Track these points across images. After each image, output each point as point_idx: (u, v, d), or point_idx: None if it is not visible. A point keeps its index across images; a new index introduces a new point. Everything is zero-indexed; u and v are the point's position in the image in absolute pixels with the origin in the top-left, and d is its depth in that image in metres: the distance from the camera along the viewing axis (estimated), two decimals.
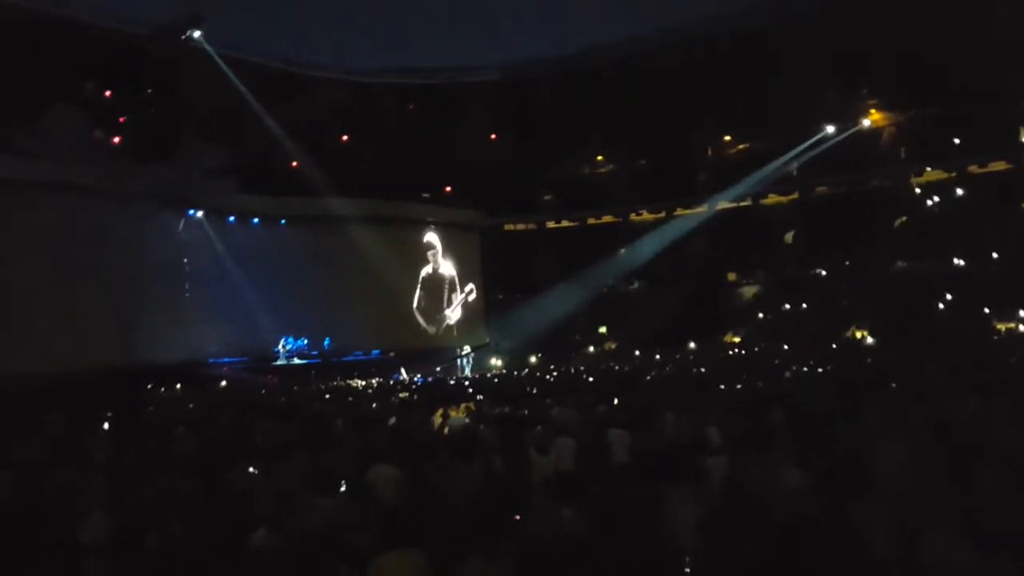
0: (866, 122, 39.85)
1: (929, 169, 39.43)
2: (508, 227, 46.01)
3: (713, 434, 8.82)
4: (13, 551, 5.69)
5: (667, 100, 34.71)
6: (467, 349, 38.43)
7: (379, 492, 7.27)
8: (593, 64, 36.94)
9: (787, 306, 39.65)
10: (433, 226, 41.44)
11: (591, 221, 46.15)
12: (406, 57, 35.72)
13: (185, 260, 31.45)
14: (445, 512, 6.56)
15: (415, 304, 40.22)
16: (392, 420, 12.83)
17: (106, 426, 14.41)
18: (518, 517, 6.20)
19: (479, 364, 38.15)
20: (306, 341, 33.76)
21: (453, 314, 41.73)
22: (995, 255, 35.58)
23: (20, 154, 25.08)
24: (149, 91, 30.48)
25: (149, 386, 25.25)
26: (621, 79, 36.02)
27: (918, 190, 39.95)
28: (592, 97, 37.16)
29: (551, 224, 46.71)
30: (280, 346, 33.02)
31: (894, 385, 12.63)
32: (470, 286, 42.48)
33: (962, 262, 36.68)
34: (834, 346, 30.25)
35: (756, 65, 33.19)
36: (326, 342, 34.18)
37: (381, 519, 6.13)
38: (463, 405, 14.71)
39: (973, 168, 38.23)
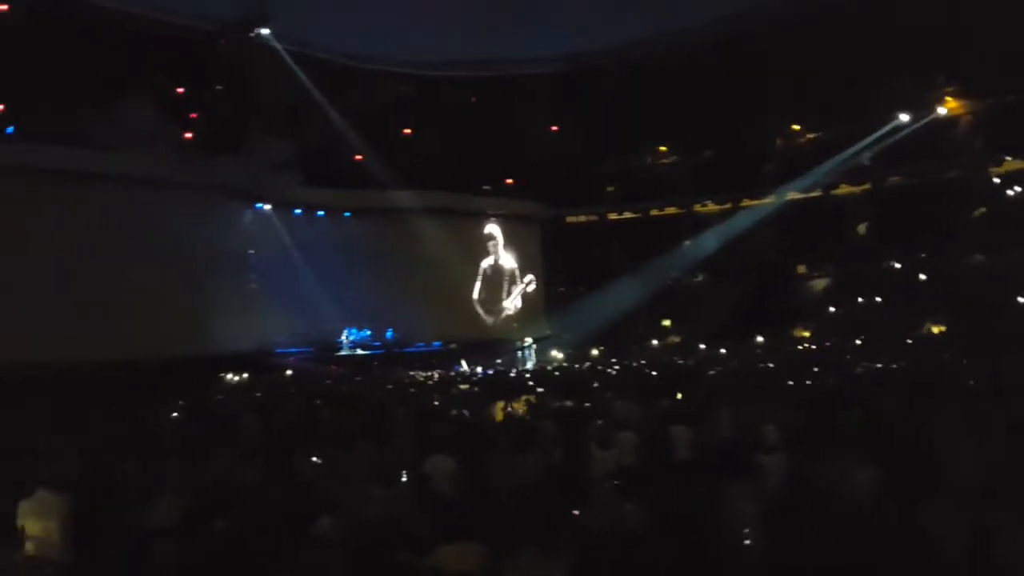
0: (942, 110, 38.39)
1: (1009, 159, 37.85)
2: (570, 219, 45.75)
3: (770, 432, 8.65)
4: (86, 534, 5.88)
5: (733, 89, 34.08)
6: (528, 341, 38.40)
7: (436, 483, 7.32)
8: (656, 53, 36.47)
9: (859, 300, 38.61)
10: (494, 218, 41.54)
11: (654, 213, 45.55)
12: (468, 49, 35.79)
13: (252, 252, 32.15)
14: (503, 504, 6.57)
15: (475, 295, 40.42)
16: (452, 412, 12.92)
17: (176, 413, 14.80)
18: (577, 511, 6.17)
19: (540, 356, 38.13)
20: (369, 332, 34.22)
21: (512, 306, 41.79)
22: None
23: (94, 147, 25.91)
24: (219, 87, 31.18)
25: (219, 375, 25.89)
26: (685, 68, 35.49)
27: (996, 180, 38.41)
28: (655, 87, 36.67)
29: (613, 216, 46.27)
30: (343, 337, 33.51)
31: (971, 383, 12.21)
32: (529, 277, 42.47)
33: None
34: (908, 341, 29.34)
35: (826, 51, 32.29)
36: (388, 333, 34.58)
37: (439, 510, 6.18)
38: (523, 398, 14.69)
39: None
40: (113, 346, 25.02)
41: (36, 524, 5.78)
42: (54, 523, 5.81)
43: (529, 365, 34.13)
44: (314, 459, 8.87)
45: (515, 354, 37.33)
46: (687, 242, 42.41)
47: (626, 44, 35.84)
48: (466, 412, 12.82)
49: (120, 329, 25.55)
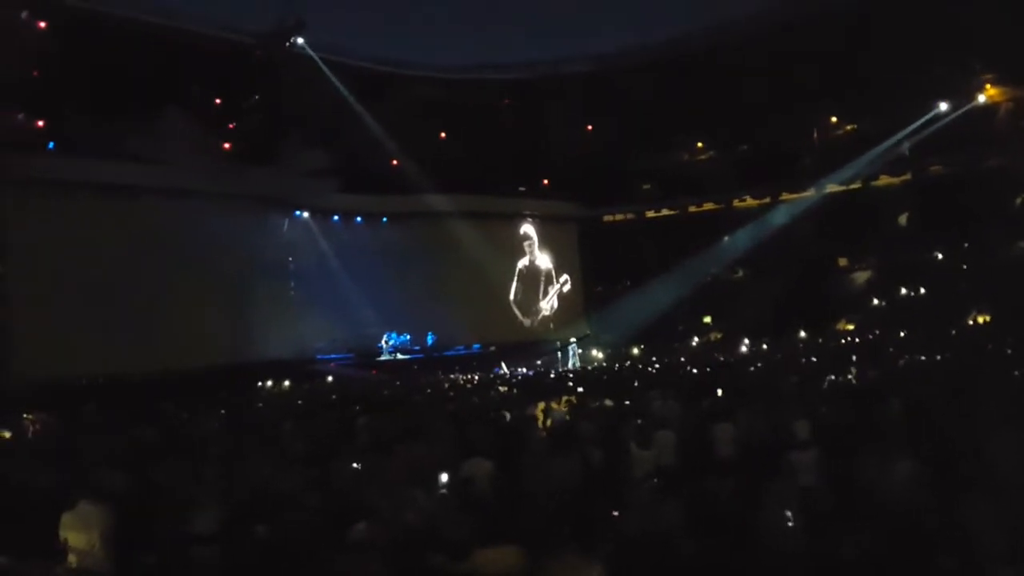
0: (981, 98, 37.61)
1: None
2: (607, 218, 45.59)
3: (803, 428, 8.49)
4: (128, 540, 5.95)
5: (768, 82, 33.67)
6: (572, 341, 38.24)
7: (475, 486, 7.29)
8: (689, 49, 36.20)
9: (903, 291, 37.93)
10: (530, 218, 41.56)
11: (692, 209, 45.14)
12: (501, 52, 35.89)
13: (291, 259, 32.54)
14: (541, 507, 6.52)
15: (512, 296, 40.45)
16: (491, 414, 12.89)
17: (218, 420, 14.97)
18: (615, 512, 6.10)
19: (582, 356, 37.94)
20: (409, 337, 34.40)
21: (549, 306, 41.73)
22: None
23: (134, 159, 26.45)
24: (256, 97, 31.58)
25: (259, 382, 26.19)
26: (720, 63, 35.16)
27: None
28: (690, 83, 36.36)
29: (650, 214, 45.96)
30: (383, 342, 33.72)
31: (1016, 373, 11.88)
32: (564, 276, 42.40)
33: None
34: (953, 332, 28.71)
35: (863, 41, 31.79)
36: (429, 337, 34.74)
37: (477, 513, 6.15)
38: (564, 398, 14.62)
39: None
40: (156, 356, 25.53)
41: (78, 536, 5.84)
42: (96, 535, 5.86)
43: (572, 364, 33.93)
44: (354, 465, 8.89)
45: (554, 355, 37.19)
46: (726, 237, 41.97)
47: (660, 41, 35.64)
48: (505, 414, 12.78)
49: (163, 339, 26.06)
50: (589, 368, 30.16)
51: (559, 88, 38.30)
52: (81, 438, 12.52)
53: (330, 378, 29.28)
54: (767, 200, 42.91)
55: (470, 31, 32.67)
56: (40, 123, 25.82)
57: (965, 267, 37.42)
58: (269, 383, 26.35)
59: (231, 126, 31.42)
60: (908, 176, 40.50)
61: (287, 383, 26.54)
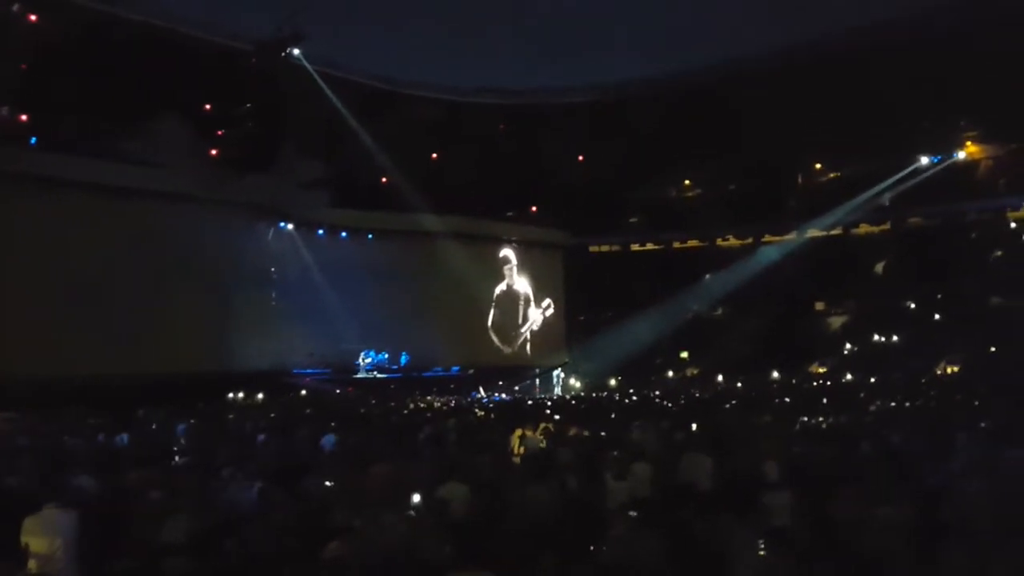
0: (962, 154, 38.51)
1: None
2: (593, 248, 45.88)
3: (771, 469, 8.54)
4: (94, 552, 5.85)
5: (757, 125, 34.13)
6: (557, 368, 38.15)
7: (451, 509, 7.26)
8: (684, 88, 36.64)
9: (876, 338, 38.36)
10: (515, 243, 41.67)
11: (676, 245, 45.62)
12: (499, 77, 36.07)
13: (274, 270, 32.34)
14: (518, 533, 6.49)
15: (490, 322, 40.44)
16: (469, 438, 12.84)
17: (189, 431, 14.81)
18: (591, 542, 6.10)
19: (557, 385, 37.90)
20: (387, 355, 34.24)
21: (528, 331, 41.74)
22: None
23: (124, 161, 26.30)
24: (248, 105, 31.52)
25: (233, 394, 25.95)
26: (711, 103, 35.60)
27: (1013, 224, 38.37)
28: (681, 120, 36.77)
29: (636, 246, 46.33)
30: (361, 359, 33.53)
31: (983, 425, 12.02)
32: (547, 301, 42.45)
33: None
34: (923, 381, 29.02)
35: (849, 92, 32.36)
36: (403, 358, 34.56)
37: (453, 537, 6.12)
38: (541, 426, 14.58)
39: None
40: (134, 359, 25.25)
41: (41, 541, 5.71)
42: (59, 542, 5.75)
43: (557, 391, 33.83)
44: (327, 482, 8.82)
45: (533, 381, 37.15)
46: (708, 275, 42.34)
47: (655, 78, 36.03)
48: (481, 439, 12.75)
49: (142, 342, 25.81)
50: (567, 396, 30.14)
51: (554, 116, 38.60)
52: (53, 440, 12.37)
53: (304, 392, 29.08)
54: (750, 240, 43.48)
55: (470, 54, 32.71)
56: (26, 118, 25.63)
57: (938, 317, 37.97)
58: (244, 394, 26.10)
59: (221, 132, 31.30)
60: (887, 225, 41.27)
61: (261, 395, 26.30)
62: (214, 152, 30.36)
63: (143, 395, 20.36)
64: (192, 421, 16.25)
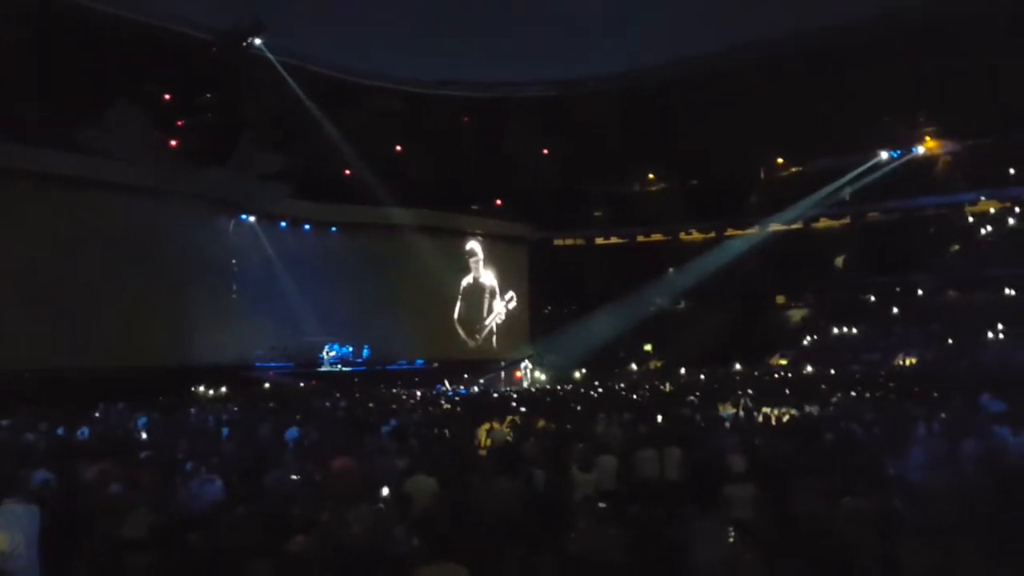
0: (921, 149, 39.21)
1: (983, 199, 38.69)
2: (557, 242, 46.03)
3: (735, 462, 8.66)
4: (55, 547, 5.74)
5: (720, 120, 34.39)
6: (526, 362, 38.06)
7: (417, 502, 7.25)
8: (648, 83, 36.81)
9: (835, 330, 38.98)
10: (480, 236, 41.65)
11: (640, 238, 46.01)
12: (463, 70, 35.88)
13: (235, 263, 31.97)
14: (484, 525, 6.50)
15: (456, 315, 40.40)
16: (434, 431, 12.83)
17: (150, 424, 14.62)
18: (557, 533, 6.13)
19: (536, 376, 37.72)
20: (351, 349, 34.03)
21: (493, 324, 41.77)
22: None
23: (81, 152, 25.79)
24: (208, 95, 31.04)
25: (196, 387, 25.63)
26: (675, 98, 35.79)
27: (971, 219, 39.23)
28: (645, 115, 36.95)
29: (600, 240, 46.61)
30: (325, 352, 33.28)
31: (943, 415, 12.27)
32: (511, 294, 42.49)
33: (1014, 292, 35.86)
34: (882, 373, 29.54)
35: (811, 88, 32.74)
36: (365, 351, 34.33)
37: (418, 529, 6.11)
38: (508, 419, 14.61)
39: None
40: (91, 352, 24.81)
41: (1, 537, 5.60)
42: (20, 536, 5.64)
43: (526, 384, 33.78)
44: (292, 476, 8.76)
45: (498, 374, 37.15)
46: (671, 268, 42.68)
47: (619, 72, 36.12)
48: (447, 432, 12.74)
49: (98, 335, 25.39)
50: (532, 389, 30.21)
51: (519, 110, 38.54)
52: (11, 435, 12.13)
53: (267, 386, 28.81)
54: (712, 235, 43.92)
55: (435, 46, 32.48)
56: None
57: (896, 311, 38.69)
58: (206, 388, 25.78)
59: (181, 123, 30.80)
60: (847, 220, 41.89)
61: (224, 389, 26.00)
62: (173, 143, 29.90)
63: (101, 389, 20.04)
64: (153, 415, 16.06)
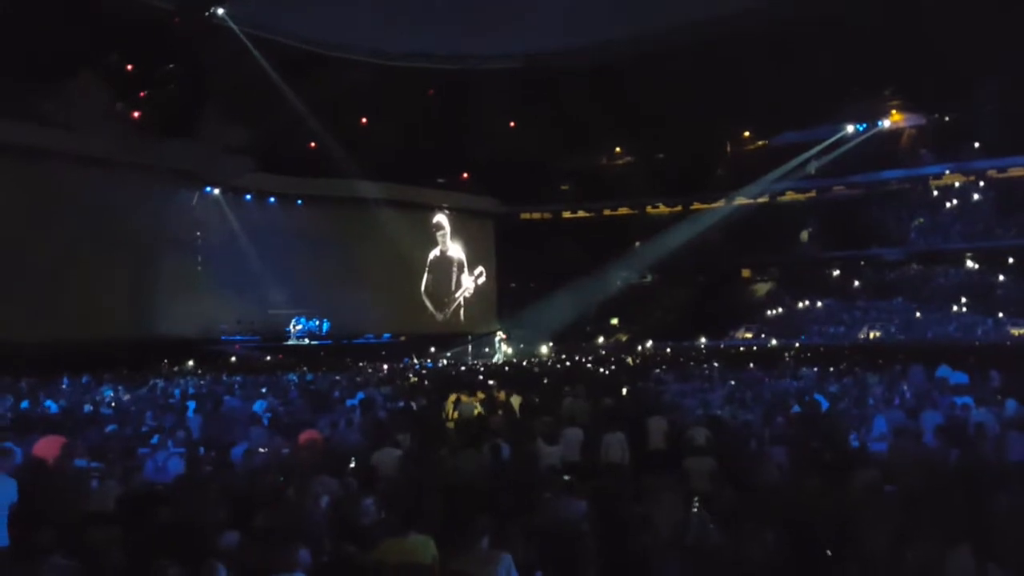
0: (887, 123, 39.59)
1: (948, 172, 39.22)
2: (524, 216, 46.03)
3: (698, 435, 8.83)
4: (23, 516, 5.73)
5: (687, 94, 34.49)
6: (498, 336, 38.11)
7: (383, 475, 7.32)
8: (614, 56, 36.70)
9: (800, 304, 39.52)
10: (446, 210, 41.54)
11: (607, 212, 46.16)
12: (429, 43, 35.46)
13: (199, 236, 31.63)
14: (450, 497, 6.58)
15: (423, 288, 40.36)
16: (401, 404, 12.89)
17: (116, 398, 14.51)
18: (523, 505, 6.23)
19: (506, 351, 37.80)
20: (317, 322, 33.91)
21: (461, 298, 41.81)
22: (1011, 260, 35.48)
23: (40, 122, 25.25)
24: (171, 66, 30.49)
25: (161, 361, 25.40)
26: (641, 72, 35.76)
27: (936, 192, 39.77)
28: (612, 89, 36.90)
29: (567, 214, 46.70)
30: (292, 326, 33.13)
31: (904, 389, 12.55)
32: (480, 269, 42.51)
33: (977, 266, 36.57)
34: (846, 346, 30.04)
35: (778, 62, 32.86)
36: (325, 325, 34.07)
37: (385, 501, 6.18)
38: (479, 394, 14.69)
39: (992, 172, 38.08)
40: (53, 325, 24.45)
41: None
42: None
43: (497, 358, 33.82)
44: (260, 449, 8.79)
45: (466, 347, 37.20)
46: (638, 242, 42.90)
47: (587, 45, 35.94)
48: (414, 404, 12.81)
49: (61, 308, 25.04)
50: (499, 363, 30.33)
51: (485, 83, 38.27)
52: None
53: (233, 359, 28.62)
54: (679, 208, 44.17)
55: (400, 18, 32.00)
56: None
57: (858, 284, 39.30)
58: (171, 362, 25.54)
59: (143, 94, 30.26)
60: (812, 193, 42.31)
61: (190, 363, 25.79)
62: (136, 115, 29.38)
63: (65, 363, 19.82)
64: (119, 388, 15.93)
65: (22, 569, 4.67)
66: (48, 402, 13.18)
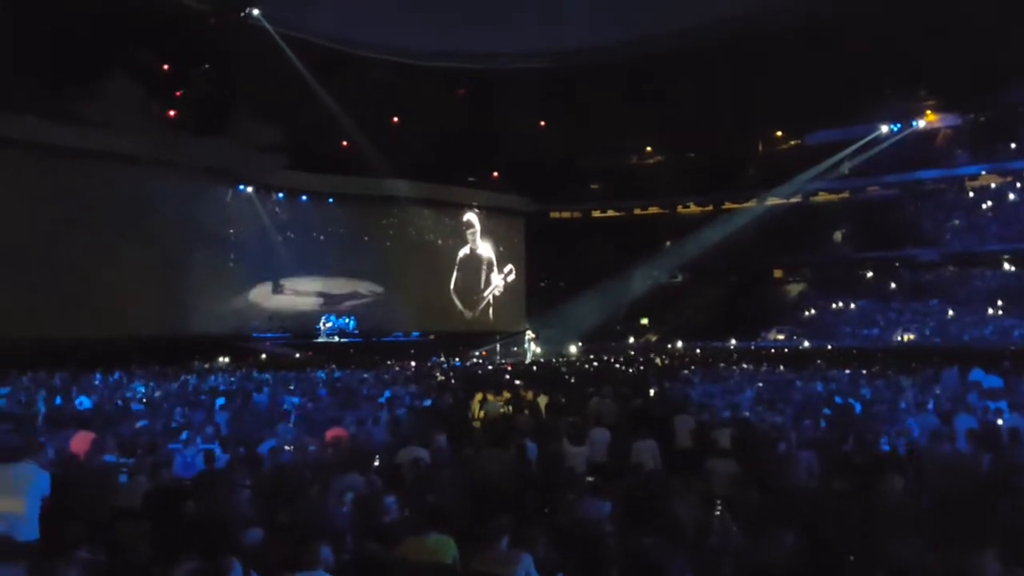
0: (921, 123, 39.00)
1: (984, 173, 38.54)
2: (554, 214, 45.96)
3: (723, 437, 8.74)
4: (54, 512, 5.81)
5: (719, 93, 34.22)
6: (529, 335, 38.09)
7: (408, 473, 7.32)
8: (646, 54, 36.51)
9: (833, 305, 39.00)
10: (476, 208, 41.57)
11: (637, 212, 45.93)
12: (458, 42, 35.52)
13: (232, 233, 31.98)
14: (475, 496, 6.58)
15: (452, 286, 40.42)
16: (429, 402, 12.91)
17: (147, 394, 14.70)
18: (547, 506, 6.20)
19: (538, 350, 37.73)
20: (347, 320, 34.11)
21: (491, 297, 41.80)
22: None
23: (77, 122, 25.67)
24: (206, 65, 30.86)
25: (192, 357, 25.69)
26: (673, 70, 35.53)
27: (971, 193, 39.09)
28: (643, 87, 36.71)
29: (597, 213, 46.55)
30: (322, 323, 33.37)
31: (937, 392, 12.36)
32: (509, 267, 42.47)
33: (1013, 268, 35.91)
34: (879, 349, 29.60)
35: (811, 61, 32.47)
36: (353, 323, 34.10)
37: (408, 500, 6.19)
38: (505, 394, 14.67)
39: None
40: (87, 322, 24.87)
41: (3, 501, 5.66)
42: (23, 499, 5.70)
43: (528, 358, 33.76)
44: (286, 447, 8.84)
45: (495, 346, 37.18)
46: (669, 242, 42.61)
47: (618, 43, 35.78)
48: (441, 403, 12.82)
49: (96, 306, 25.45)
50: (527, 362, 30.28)
51: (516, 82, 38.27)
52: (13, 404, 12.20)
53: (264, 356, 28.89)
54: (710, 208, 43.82)
55: (434, 16, 32.05)
56: None
57: (894, 286, 38.69)
58: (203, 358, 25.80)
59: (178, 93, 30.66)
60: (846, 194, 41.77)
61: (221, 359, 26.07)
62: (171, 114, 29.77)
63: (97, 359, 20.13)
64: (150, 384, 16.14)
65: (51, 563, 4.72)
66: (81, 398, 13.37)
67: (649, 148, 45.85)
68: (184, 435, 9.25)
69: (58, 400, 13.20)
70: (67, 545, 4.99)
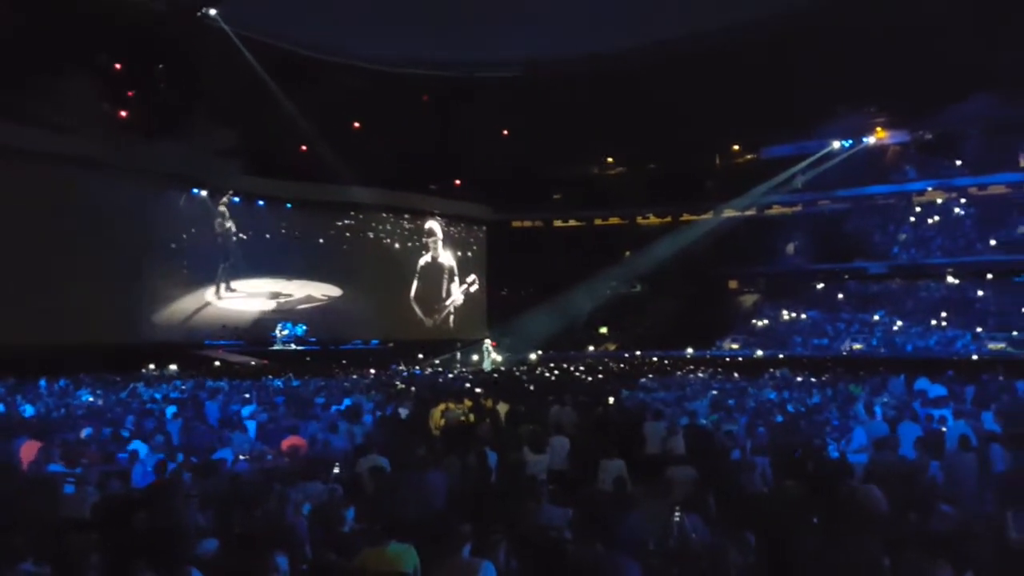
0: (871, 140, 40.01)
1: (930, 188, 39.66)
2: (515, 223, 46.09)
3: (679, 444, 8.80)
4: None
5: (679, 106, 34.61)
6: (487, 343, 37.96)
7: (368, 482, 7.23)
8: (608, 67, 36.82)
9: (786, 316, 39.63)
10: (438, 216, 41.46)
11: (598, 222, 46.27)
12: (424, 49, 35.48)
13: (185, 238, 31.41)
14: (435, 505, 6.51)
15: (412, 293, 40.21)
16: (389, 411, 12.78)
17: (95, 402, 14.36)
18: (508, 514, 6.15)
19: (496, 359, 37.67)
20: (304, 327, 33.65)
21: (452, 305, 41.68)
22: (990, 276, 35.85)
23: (27, 122, 25.03)
24: (160, 66, 30.34)
25: (144, 364, 25.19)
26: (635, 83, 35.88)
27: (918, 208, 40.15)
28: (605, 99, 37.02)
29: (558, 223, 46.78)
30: (277, 331, 32.89)
31: (886, 401, 12.58)
32: (472, 277, 42.41)
33: (957, 281, 36.90)
34: (828, 358, 30.11)
35: (767, 77, 33.06)
36: (300, 329, 33.51)
37: (368, 509, 6.10)
38: (465, 400, 14.58)
39: (973, 189, 38.54)
40: (37, 327, 24.20)
41: None
42: None
43: (487, 366, 33.65)
44: (241, 456, 8.68)
45: (455, 355, 37.03)
46: (628, 252, 42.97)
47: (581, 55, 36.08)
48: (401, 412, 12.70)
49: (44, 310, 24.75)
50: (487, 371, 30.18)
51: (480, 91, 38.34)
52: None
53: (217, 364, 28.40)
54: (669, 219, 44.39)
55: (397, 24, 31.96)
56: None
57: (840, 296, 39.54)
58: (154, 366, 25.32)
59: (132, 94, 30.08)
60: (799, 207, 42.61)
61: (173, 366, 25.56)
62: (124, 115, 29.20)
63: (43, 366, 19.60)
64: (97, 392, 15.77)
65: None
66: (25, 405, 13.00)
67: (610, 159, 46.26)
68: (134, 444, 9.03)
69: (1, 407, 12.80)
70: (10, 558, 4.82)
